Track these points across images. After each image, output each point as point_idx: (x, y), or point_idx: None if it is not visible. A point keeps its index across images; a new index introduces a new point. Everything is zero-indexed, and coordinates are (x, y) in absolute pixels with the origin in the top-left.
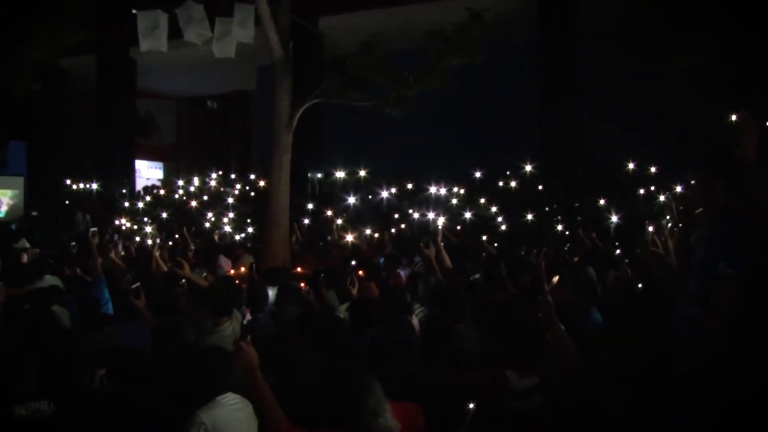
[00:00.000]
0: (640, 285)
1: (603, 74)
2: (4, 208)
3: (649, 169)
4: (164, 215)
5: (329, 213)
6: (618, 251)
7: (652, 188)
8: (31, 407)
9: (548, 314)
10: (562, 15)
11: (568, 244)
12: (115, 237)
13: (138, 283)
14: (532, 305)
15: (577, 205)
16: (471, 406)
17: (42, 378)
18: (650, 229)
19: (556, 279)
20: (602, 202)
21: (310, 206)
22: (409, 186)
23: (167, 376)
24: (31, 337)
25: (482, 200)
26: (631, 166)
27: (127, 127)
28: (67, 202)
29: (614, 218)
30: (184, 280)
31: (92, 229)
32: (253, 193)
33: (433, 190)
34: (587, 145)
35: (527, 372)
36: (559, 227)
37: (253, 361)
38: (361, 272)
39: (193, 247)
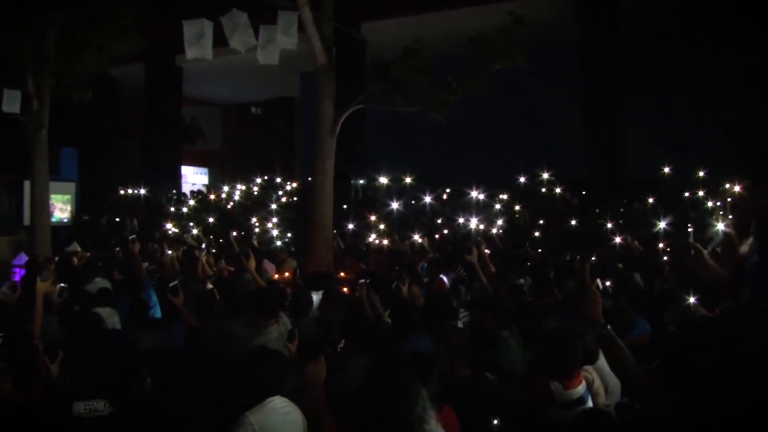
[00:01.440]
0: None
1: (647, 76)
2: (57, 213)
3: (696, 173)
4: (210, 220)
5: (372, 218)
6: (665, 257)
7: (700, 193)
8: (89, 406)
9: (595, 311)
10: (605, 17)
11: (614, 250)
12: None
13: (176, 281)
14: (577, 310)
15: (622, 210)
16: (495, 422)
17: (98, 378)
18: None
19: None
20: (648, 206)
21: (352, 211)
22: (450, 191)
23: (216, 378)
24: (81, 337)
25: (524, 206)
26: (668, 170)
27: (174, 134)
28: (114, 207)
29: (661, 224)
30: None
31: (131, 237)
32: (295, 198)
33: (475, 195)
34: (632, 148)
35: (572, 382)
36: (605, 233)
37: (322, 374)
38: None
39: (214, 252)
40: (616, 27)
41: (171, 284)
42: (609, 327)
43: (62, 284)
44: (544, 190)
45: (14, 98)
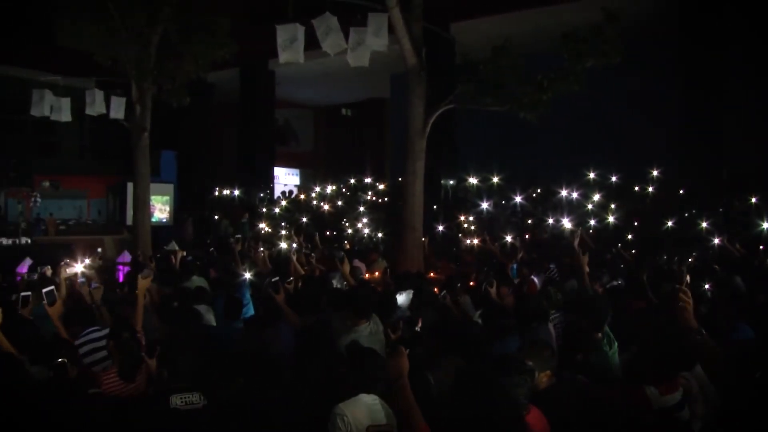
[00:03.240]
0: None
1: (750, 69)
2: (157, 213)
3: None
4: (304, 220)
5: (462, 218)
6: None
7: None
8: (186, 398)
9: (685, 316)
10: (704, 11)
11: (715, 252)
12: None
13: (277, 278)
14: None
15: (721, 210)
16: None
17: (194, 372)
18: None
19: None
20: (752, 205)
21: (442, 211)
22: (542, 191)
23: (313, 372)
24: (180, 332)
25: (618, 206)
26: None
27: (267, 136)
28: (210, 208)
29: (765, 224)
30: (291, 279)
31: (236, 236)
32: (386, 199)
33: (567, 194)
34: (733, 145)
35: (669, 388)
36: (705, 234)
37: (404, 368)
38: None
39: (313, 255)
40: (716, 19)
41: (272, 280)
42: (704, 332)
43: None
44: (636, 189)
45: (120, 105)
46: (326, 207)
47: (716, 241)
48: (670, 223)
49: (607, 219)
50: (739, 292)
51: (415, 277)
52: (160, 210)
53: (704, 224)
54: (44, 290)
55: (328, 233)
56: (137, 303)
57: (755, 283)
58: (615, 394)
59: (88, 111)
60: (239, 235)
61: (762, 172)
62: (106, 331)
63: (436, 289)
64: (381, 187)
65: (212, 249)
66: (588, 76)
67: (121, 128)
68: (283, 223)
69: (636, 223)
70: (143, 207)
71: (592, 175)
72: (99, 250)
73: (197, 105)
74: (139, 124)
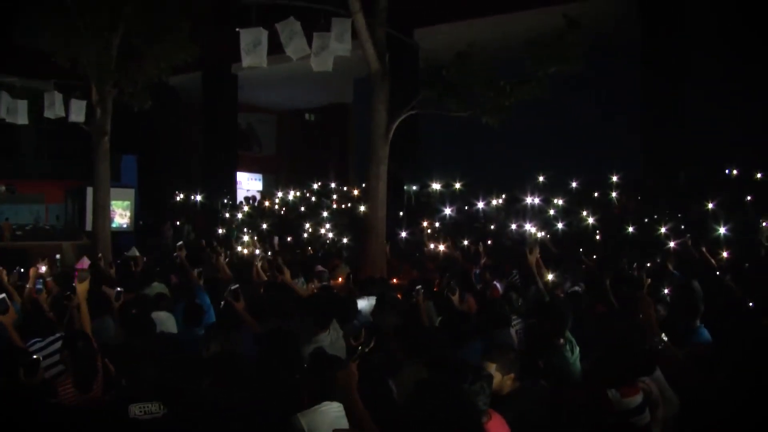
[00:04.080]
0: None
1: (709, 75)
2: (117, 218)
3: (755, 174)
4: (264, 226)
5: (425, 224)
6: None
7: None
8: (144, 408)
9: (648, 316)
10: (665, 16)
11: (672, 256)
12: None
13: (237, 285)
14: (634, 318)
15: (680, 215)
16: None
17: (155, 381)
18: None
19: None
20: (709, 210)
21: (405, 217)
22: (505, 196)
23: (274, 381)
24: (138, 340)
25: (580, 211)
26: (731, 172)
27: (230, 140)
28: (171, 213)
29: (722, 229)
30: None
31: (178, 243)
32: (349, 204)
33: (530, 200)
34: (693, 151)
35: (629, 391)
36: (664, 238)
37: (353, 381)
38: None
39: (269, 257)
40: (677, 25)
41: (232, 288)
42: (665, 337)
43: (119, 288)
44: (598, 194)
45: (80, 108)
46: (287, 212)
47: (672, 244)
48: (630, 229)
49: (570, 224)
50: (697, 296)
51: (378, 283)
52: (121, 215)
53: (663, 229)
54: None
55: (290, 239)
56: (80, 309)
57: (713, 287)
58: (577, 396)
59: (47, 114)
60: (180, 242)
61: (719, 176)
62: (50, 340)
63: (399, 295)
64: (344, 191)
65: (175, 255)
66: (551, 80)
67: (81, 131)
68: (245, 229)
69: (598, 228)
70: (103, 212)
71: (550, 180)
72: (57, 256)
73: (159, 108)
74: (99, 128)
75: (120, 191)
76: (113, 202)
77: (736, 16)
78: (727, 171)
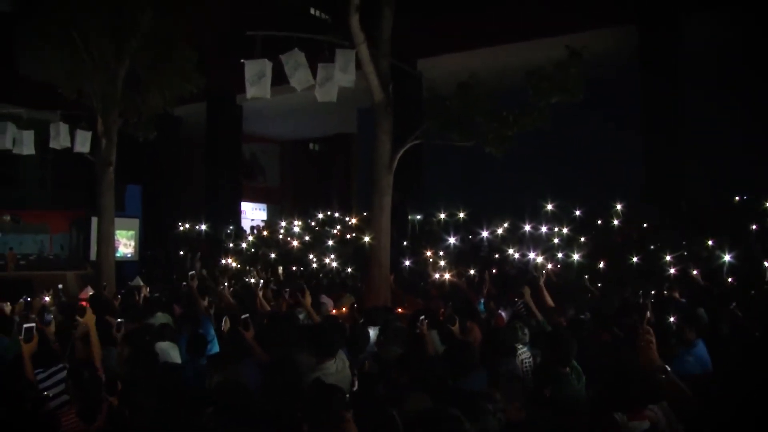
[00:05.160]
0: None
1: (708, 107)
2: (122, 248)
3: (764, 203)
4: (272, 255)
5: (429, 253)
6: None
7: None
8: None
9: (649, 355)
10: (664, 49)
11: (678, 285)
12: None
13: (247, 314)
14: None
15: (684, 243)
16: None
17: (157, 412)
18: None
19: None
20: (711, 240)
21: (409, 246)
22: (507, 225)
23: (276, 411)
24: (142, 370)
25: (584, 240)
26: (739, 198)
27: (234, 170)
28: (176, 243)
29: (726, 257)
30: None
31: (190, 273)
32: (354, 234)
33: (533, 229)
34: (694, 180)
35: (636, 416)
36: (666, 266)
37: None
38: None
39: (287, 290)
40: (677, 59)
41: (243, 317)
42: (668, 368)
43: (120, 319)
44: (599, 222)
45: (85, 139)
46: (294, 243)
47: (672, 270)
48: (635, 259)
49: (574, 253)
50: (702, 323)
51: (382, 312)
52: (125, 245)
53: (668, 258)
54: (25, 326)
55: (294, 268)
56: (91, 340)
57: (717, 315)
58: (583, 422)
59: (53, 144)
60: (192, 272)
61: (720, 206)
62: (53, 370)
63: (403, 324)
64: (349, 221)
65: (185, 284)
66: (553, 111)
67: (85, 161)
68: (250, 259)
69: (601, 258)
70: (107, 242)
71: (553, 208)
72: (60, 286)
73: (164, 139)
74: (104, 158)
75: (124, 221)
76: (117, 232)
77: (737, 50)
78: (736, 198)
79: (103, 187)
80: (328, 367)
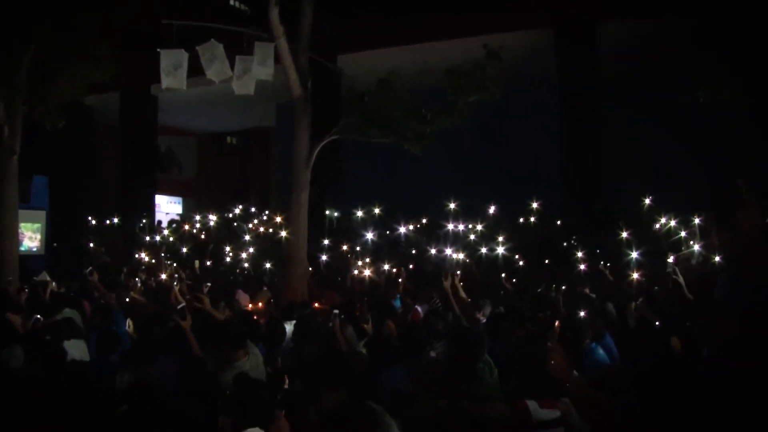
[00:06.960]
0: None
1: (624, 109)
2: (26, 242)
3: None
4: (184, 250)
5: (345, 248)
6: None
7: (672, 223)
8: None
9: (560, 364)
10: (580, 51)
11: (588, 281)
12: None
13: (183, 304)
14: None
15: (596, 240)
16: None
17: (65, 412)
18: (671, 260)
19: (557, 324)
20: (623, 237)
21: (326, 242)
22: (425, 221)
23: (194, 409)
24: (45, 370)
25: (501, 237)
26: (646, 201)
27: (149, 162)
28: (85, 236)
29: (634, 254)
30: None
31: (88, 269)
32: (271, 230)
33: (451, 226)
34: (609, 180)
35: (548, 404)
36: (578, 263)
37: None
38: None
39: (209, 284)
40: (591, 58)
41: (179, 306)
42: (576, 373)
43: (37, 315)
44: (522, 220)
45: None
46: (209, 236)
47: (582, 267)
48: (548, 258)
49: (494, 249)
50: (610, 318)
51: (299, 308)
52: (30, 238)
53: (579, 254)
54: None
55: (209, 263)
56: None
57: (624, 309)
58: (496, 408)
59: None
60: (90, 267)
61: (634, 208)
62: None
63: (320, 320)
64: (266, 216)
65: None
66: (472, 109)
67: None
68: (163, 254)
69: (517, 255)
70: (11, 235)
71: (471, 206)
72: None
73: (74, 128)
74: (7, 147)
75: (30, 213)
76: (22, 225)
77: (652, 51)
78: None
79: (5, 178)
80: (242, 365)
